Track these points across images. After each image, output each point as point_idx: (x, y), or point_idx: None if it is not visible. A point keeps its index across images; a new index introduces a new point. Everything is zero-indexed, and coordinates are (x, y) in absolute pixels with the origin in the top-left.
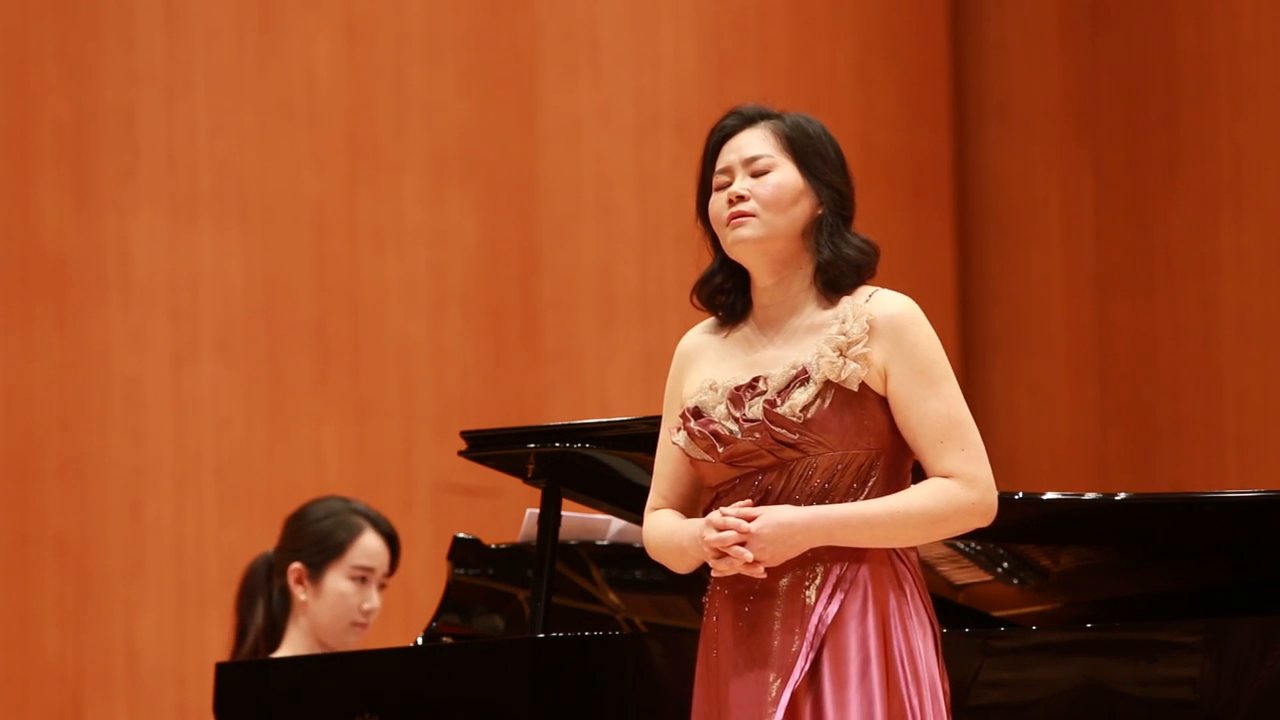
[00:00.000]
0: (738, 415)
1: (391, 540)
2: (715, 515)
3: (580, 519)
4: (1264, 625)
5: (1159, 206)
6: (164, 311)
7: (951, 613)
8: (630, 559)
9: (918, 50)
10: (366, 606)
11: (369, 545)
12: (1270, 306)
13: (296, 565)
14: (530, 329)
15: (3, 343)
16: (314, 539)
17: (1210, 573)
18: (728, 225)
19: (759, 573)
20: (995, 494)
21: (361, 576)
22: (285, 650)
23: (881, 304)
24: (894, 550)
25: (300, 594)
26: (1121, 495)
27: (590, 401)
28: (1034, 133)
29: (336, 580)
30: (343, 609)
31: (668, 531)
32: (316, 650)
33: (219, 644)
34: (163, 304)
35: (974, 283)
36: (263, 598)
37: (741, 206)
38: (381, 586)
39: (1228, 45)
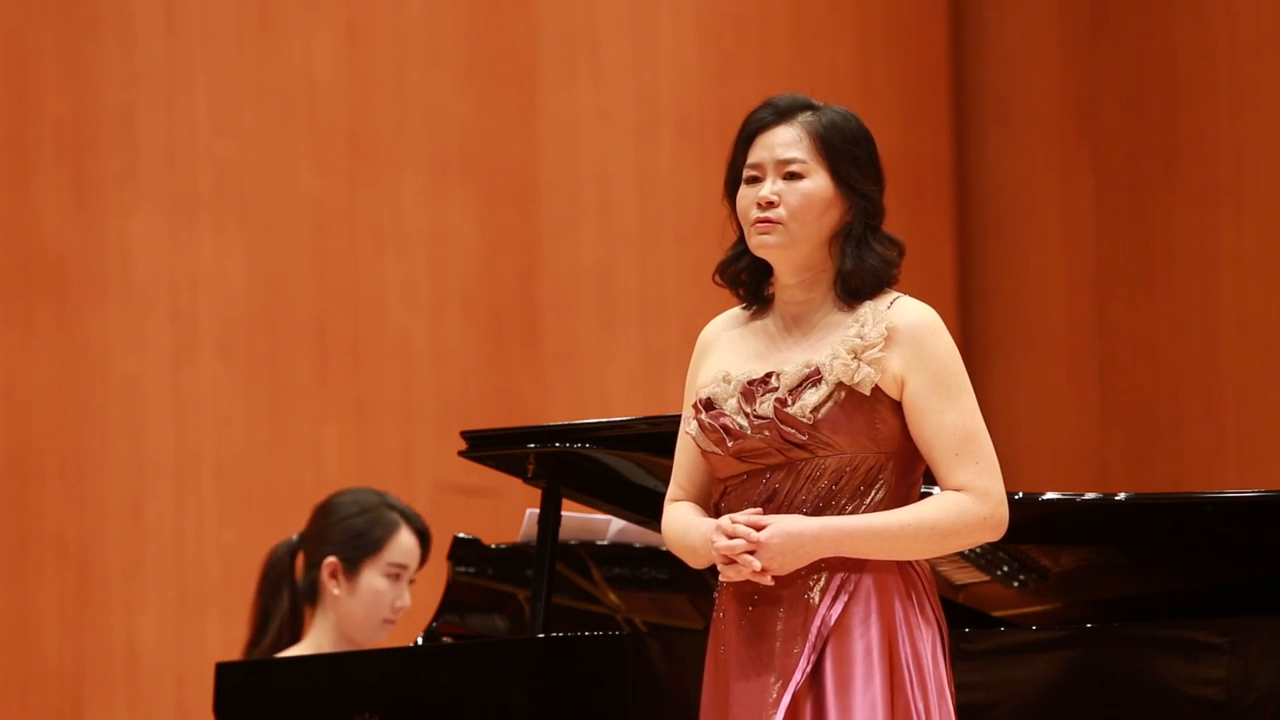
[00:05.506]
0: (748, 410)
1: (424, 537)
2: (725, 522)
3: (580, 519)
4: None
5: (1159, 206)
6: (164, 311)
7: (951, 613)
8: (630, 559)
9: (918, 50)
10: (399, 604)
11: (405, 543)
12: (1270, 306)
13: (331, 559)
14: (530, 329)
15: (3, 343)
16: (350, 534)
17: (1211, 573)
18: (753, 227)
19: (767, 580)
20: (1006, 509)
21: (396, 574)
22: (310, 641)
23: (903, 312)
24: None
25: (334, 588)
26: (1121, 495)
27: (590, 402)
28: (1034, 133)
29: (372, 577)
30: (376, 606)
31: (683, 528)
32: (342, 644)
33: (219, 644)
34: (163, 304)
35: (974, 283)
36: (287, 585)
37: (770, 214)
38: (410, 582)
39: (1228, 45)
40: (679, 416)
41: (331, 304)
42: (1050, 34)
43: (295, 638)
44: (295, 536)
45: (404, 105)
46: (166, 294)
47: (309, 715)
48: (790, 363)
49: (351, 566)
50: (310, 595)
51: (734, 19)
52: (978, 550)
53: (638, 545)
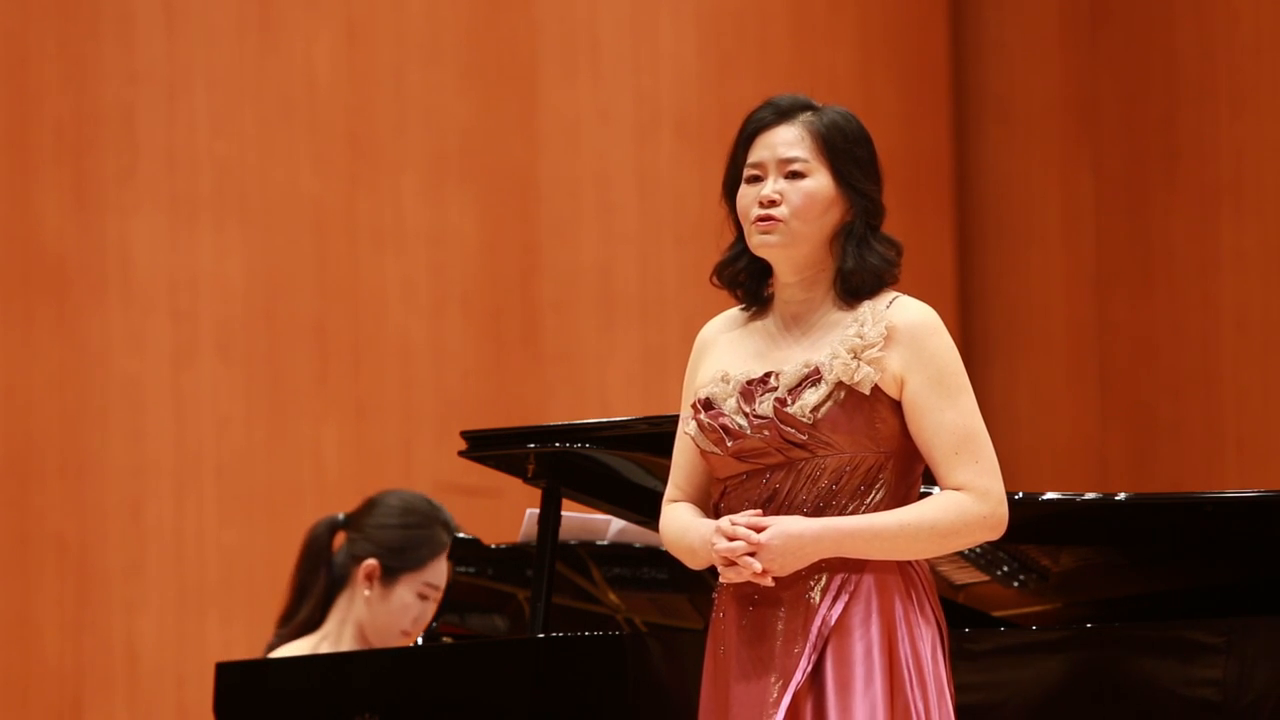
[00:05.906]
0: (748, 410)
1: None
2: (725, 523)
3: (580, 519)
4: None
5: (1159, 206)
6: (164, 311)
7: (951, 613)
8: (630, 559)
9: (918, 50)
10: (421, 621)
11: (446, 567)
12: (1270, 306)
13: (371, 562)
14: (530, 329)
15: (3, 343)
16: (397, 543)
17: (1211, 573)
18: (755, 225)
19: (768, 582)
20: (1006, 508)
21: (427, 594)
22: (327, 630)
23: (902, 311)
24: None
25: (365, 589)
26: (1121, 495)
27: (590, 401)
28: (1034, 133)
29: (405, 592)
30: (401, 618)
31: (681, 529)
32: (357, 642)
33: (219, 644)
34: (163, 304)
35: (974, 283)
36: (325, 564)
37: (772, 212)
38: (436, 602)
39: (1228, 45)
40: (679, 416)
41: (331, 304)
42: (1050, 34)
43: (322, 619)
44: (341, 515)
45: (404, 105)
46: (166, 294)
47: (309, 715)
48: (789, 362)
49: (390, 575)
50: (340, 583)
51: (734, 19)
52: (978, 550)
53: (638, 545)
